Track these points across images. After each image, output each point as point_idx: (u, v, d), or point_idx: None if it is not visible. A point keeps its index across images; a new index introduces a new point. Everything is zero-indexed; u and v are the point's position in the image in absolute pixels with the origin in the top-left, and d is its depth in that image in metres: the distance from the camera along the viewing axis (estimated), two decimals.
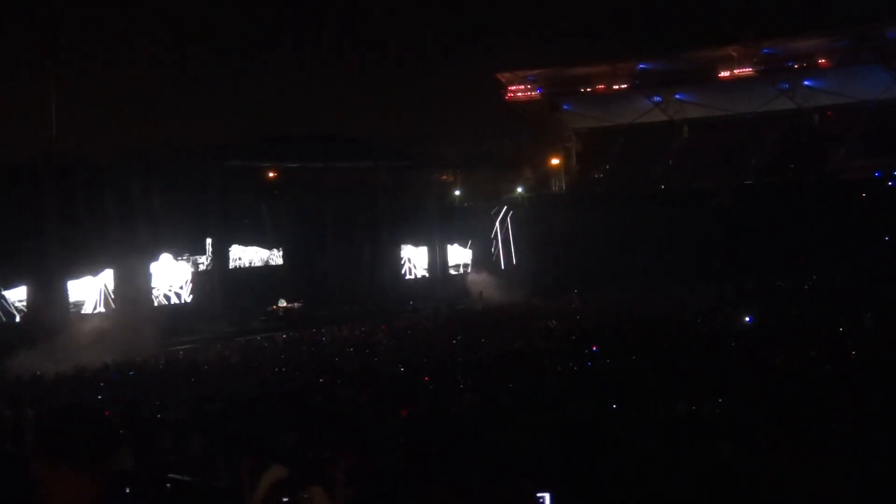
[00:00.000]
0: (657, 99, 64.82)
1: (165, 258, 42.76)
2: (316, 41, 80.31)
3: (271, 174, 49.95)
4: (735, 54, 60.58)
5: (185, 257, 43.85)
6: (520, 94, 66.81)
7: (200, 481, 12.02)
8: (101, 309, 39.24)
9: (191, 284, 43.86)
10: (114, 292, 39.56)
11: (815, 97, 60.23)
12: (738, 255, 49.32)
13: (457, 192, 61.51)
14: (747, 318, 30.26)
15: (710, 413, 13.98)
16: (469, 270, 57.11)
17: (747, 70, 60.73)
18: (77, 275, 38.72)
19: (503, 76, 66.21)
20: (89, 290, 39.42)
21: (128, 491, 9.77)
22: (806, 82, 60.41)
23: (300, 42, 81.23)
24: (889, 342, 21.86)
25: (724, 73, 61.32)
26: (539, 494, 6.65)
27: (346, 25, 80.00)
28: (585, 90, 65.86)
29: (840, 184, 53.42)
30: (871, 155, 54.94)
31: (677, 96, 64.36)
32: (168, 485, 11.17)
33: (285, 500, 5.79)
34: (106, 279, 39.76)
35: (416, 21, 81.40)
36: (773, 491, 8.80)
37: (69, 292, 38.45)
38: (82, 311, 38.68)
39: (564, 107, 67.17)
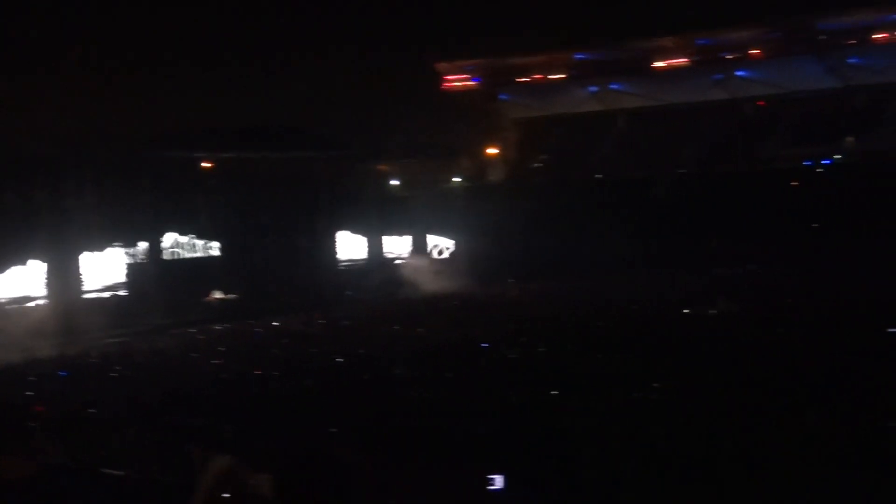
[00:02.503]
0: (594, 89, 65.19)
1: (100, 249, 42.05)
2: (253, 30, 79.55)
3: (208, 165, 49.38)
4: (670, 45, 61.13)
5: (119, 249, 43.16)
6: (457, 83, 66.72)
7: (134, 475, 11.80)
8: (33, 302, 38.45)
9: (125, 276, 43.18)
10: (46, 285, 38.80)
11: (749, 88, 61.03)
12: (673, 244, 49.76)
13: (395, 182, 61.32)
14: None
15: (649, 398, 14.06)
16: (406, 259, 56.97)
17: (682, 61, 61.32)
18: (6, 267, 37.92)
19: (441, 66, 66.08)
20: (20, 283, 38.64)
21: (59, 485, 9.54)
22: (739, 73, 61.18)
23: (238, 31, 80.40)
24: (825, 328, 22.19)
25: (660, 64, 61.85)
26: (490, 476, 6.60)
27: (283, 14, 79.34)
28: (523, 80, 66.00)
29: (772, 172, 54.19)
30: (801, 144, 55.83)
31: (613, 86, 64.78)
32: (101, 478, 10.95)
33: (225, 496, 5.65)
34: (38, 271, 39.00)
35: (353, 10, 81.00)
36: (715, 472, 8.84)
37: None
38: (13, 304, 37.86)
39: (502, 97, 67.25)
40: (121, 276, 43.01)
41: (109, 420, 15.92)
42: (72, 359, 27.81)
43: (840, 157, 54.38)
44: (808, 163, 54.27)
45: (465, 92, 66.89)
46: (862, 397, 12.46)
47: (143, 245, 44.17)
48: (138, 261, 44.01)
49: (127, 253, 43.56)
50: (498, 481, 6.62)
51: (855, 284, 33.73)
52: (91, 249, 41.49)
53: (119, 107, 62.77)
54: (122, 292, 42.65)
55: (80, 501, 10.17)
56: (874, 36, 56.16)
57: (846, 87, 58.28)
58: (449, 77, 66.40)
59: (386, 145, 60.28)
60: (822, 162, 54.10)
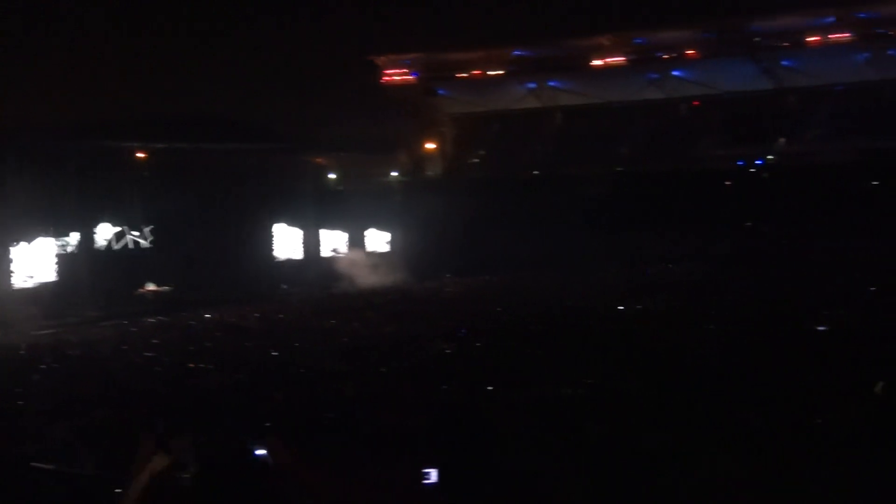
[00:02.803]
0: (531, 85, 65.57)
1: (28, 240, 41.28)
2: (188, 18, 78.56)
3: (141, 155, 48.71)
4: (607, 43, 61.73)
5: (48, 239, 42.40)
6: (396, 77, 66.72)
7: (64, 469, 11.66)
8: None
9: (55, 267, 42.43)
10: None
11: (684, 87, 61.87)
12: (608, 241, 50.27)
13: (331, 176, 61.10)
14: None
15: (581, 395, 14.21)
16: (343, 254, 56.79)
17: (619, 59, 61.95)
18: None
19: (379, 59, 66.03)
20: None
21: None
22: (675, 73, 61.96)
23: (171, 18, 79.37)
24: (754, 325, 22.60)
25: (597, 62, 62.40)
26: (425, 470, 6.62)
27: (218, 3, 78.44)
28: (461, 75, 66.16)
29: (705, 172, 55.03)
30: (734, 144, 56.79)
31: (551, 83, 65.23)
32: (30, 473, 10.79)
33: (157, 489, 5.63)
34: None
35: (293, 1, 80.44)
36: (646, 470, 8.97)
37: None
38: None
39: (440, 91, 67.36)
40: (51, 267, 42.25)
41: (38, 413, 15.70)
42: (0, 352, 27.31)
43: (772, 157, 55.39)
44: (741, 163, 55.20)
45: (403, 86, 66.89)
46: (788, 394, 12.72)
47: (74, 236, 43.44)
48: (69, 252, 43.29)
49: (57, 244, 42.79)
50: (432, 476, 6.66)
51: (786, 282, 34.38)
52: (20, 241, 40.72)
53: (48, 94, 61.72)
54: (52, 284, 41.89)
55: (7, 496, 10.02)
56: (807, 39, 57.24)
57: (779, 88, 59.35)
58: (387, 71, 66.36)
59: (323, 138, 60.05)
60: (756, 162, 55.06)
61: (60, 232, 42.52)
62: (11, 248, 39.93)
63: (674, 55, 61.33)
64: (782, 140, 56.17)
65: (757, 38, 58.53)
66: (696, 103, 61.72)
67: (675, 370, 15.89)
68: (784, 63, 58.65)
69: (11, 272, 39.90)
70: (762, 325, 22.61)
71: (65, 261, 42.49)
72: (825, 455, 8.97)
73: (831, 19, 56.39)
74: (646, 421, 11.30)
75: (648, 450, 9.55)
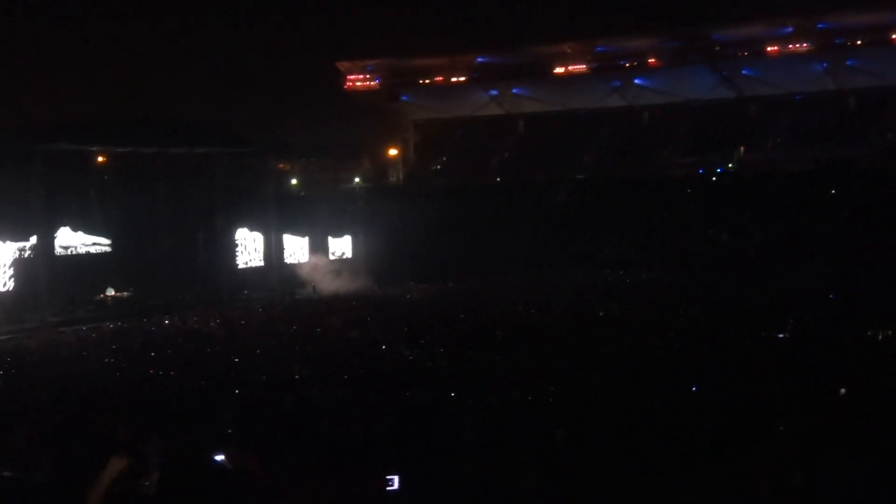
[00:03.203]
0: (494, 92, 65.74)
1: None
2: (153, 22, 78.11)
3: (101, 158, 48.22)
4: (569, 51, 62.03)
5: (7, 244, 41.89)
6: (359, 83, 66.60)
7: (21, 476, 11.51)
8: None
9: (12, 271, 41.94)
10: None
11: (646, 95, 62.29)
12: (570, 248, 50.42)
13: (294, 181, 60.91)
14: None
15: (544, 400, 14.27)
16: (305, 259, 56.60)
17: (581, 67, 62.26)
18: None
19: (342, 65, 65.88)
20: None
21: None
22: (637, 81, 62.38)
23: (137, 21, 78.89)
24: (713, 332, 22.78)
25: (559, 70, 62.68)
26: (388, 477, 6.63)
27: (184, 7, 78.09)
28: (424, 81, 66.20)
29: (667, 180, 55.42)
30: (695, 152, 57.25)
31: (514, 90, 65.43)
32: None
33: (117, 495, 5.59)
34: None
35: (258, 6, 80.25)
36: (610, 475, 9.03)
37: None
38: None
39: (403, 98, 67.34)
40: (9, 272, 41.77)
41: None
42: None
43: (732, 165, 55.90)
44: (702, 171, 55.67)
45: (366, 92, 66.79)
46: (751, 401, 12.83)
47: (32, 240, 42.96)
48: (28, 256, 42.80)
49: (16, 248, 42.30)
50: (395, 482, 6.67)
51: (747, 289, 34.66)
52: None
53: (9, 97, 61.09)
54: (10, 289, 41.42)
55: None
56: (767, 48, 57.83)
57: (740, 97, 59.93)
58: (351, 77, 66.22)
59: (286, 143, 59.82)
60: (716, 170, 55.54)
61: (19, 236, 42.01)
62: None
63: (636, 63, 61.72)
64: (742, 148, 56.71)
65: (717, 48, 59.09)
66: (657, 112, 62.17)
67: (638, 376, 15.99)
68: (744, 72, 59.22)
69: None
70: (723, 331, 22.81)
71: (23, 265, 42.00)
72: (787, 459, 9.07)
73: (790, 29, 57.07)
74: (610, 426, 11.37)
75: (613, 454, 9.62)
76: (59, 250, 44.55)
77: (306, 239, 57.15)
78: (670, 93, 61.29)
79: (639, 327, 24.68)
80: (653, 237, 50.23)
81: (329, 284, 49.67)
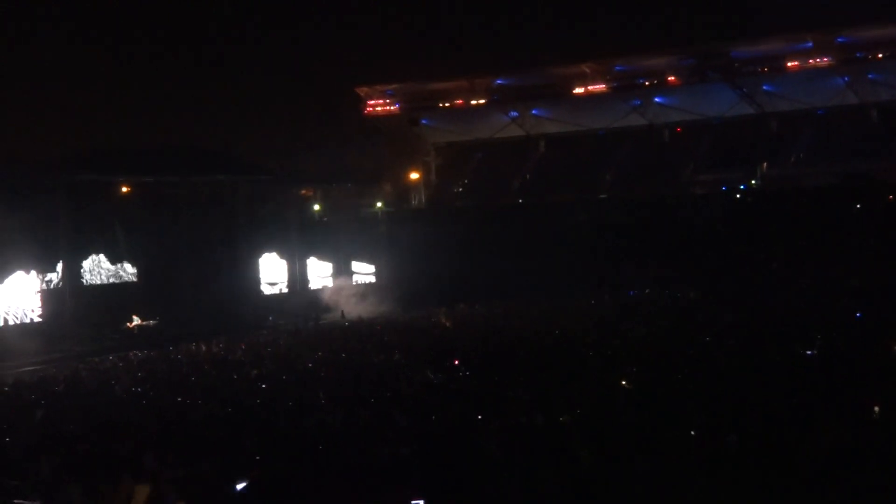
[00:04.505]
0: (514, 114, 65.80)
1: (13, 276, 41.12)
2: (175, 51, 78.71)
3: (125, 188, 48.59)
4: (588, 71, 62.02)
5: (32, 275, 42.21)
6: (379, 108, 66.79)
7: None
8: None
9: (40, 303, 42.25)
10: None
11: (666, 113, 62.16)
12: (593, 268, 50.27)
13: (316, 207, 61.14)
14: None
15: (569, 422, 14.19)
16: (329, 284, 56.74)
17: (600, 87, 62.24)
18: None
19: (362, 90, 66.12)
20: None
21: None
22: (657, 99, 62.30)
23: (158, 51, 79.53)
24: (741, 351, 22.62)
25: (579, 90, 62.70)
26: (414, 501, 6.63)
27: (204, 37, 78.68)
28: (444, 105, 66.34)
29: (690, 197, 55.24)
30: (717, 169, 57.06)
31: (533, 112, 65.49)
32: None
33: None
34: None
35: (275, 34, 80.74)
36: (635, 496, 8.98)
37: None
38: None
39: (423, 121, 67.46)
40: (36, 302, 42.06)
41: (24, 450, 15.59)
42: None
43: (755, 182, 55.67)
44: (725, 188, 55.47)
45: (386, 117, 66.99)
46: (778, 418, 12.74)
47: (59, 270, 43.27)
48: (54, 287, 43.10)
49: (42, 279, 42.62)
50: None
51: (772, 306, 34.45)
52: (5, 276, 40.57)
53: (33, 128, 61.68)
54: (37, 319, 41.71)
55: None
56: (787, 63, 57.63)
57: (760, 113, 59.71)
58: (371, 102, 66.46)
59: (308, 170, 60.10)
60: (739, 187, 55.31)
61: (45, 267, 42.32)
62: None
63: (655, 82, 61.65)
64: (765, 164, 56.49)
65: (737, 64, 58.94)
66: (678, 129, 62.02)
67: (663, 393, 15.91)
68: (765, 88, 59.03)
69: None
70: (749, 348, 22.65)
71: (50, 296, 42.29)
72: (814, 476, 9.00)
73: (810, 44, 56.84)
74: (635, 445, 11.30)
75: (637, 474, 9.56)
76: (84, 280, 44.85)
77: (330, 264, 57.31)
78: (690, 110, 61.14)
79: (664, 346, 24.55)
80: (676, 255, 49.99)
81: (353, 309, 49.71)
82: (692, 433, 11.82)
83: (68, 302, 42.83)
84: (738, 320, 30.55)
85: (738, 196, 54.92)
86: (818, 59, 57.06)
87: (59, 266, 43.24)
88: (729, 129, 59.14)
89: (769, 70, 58.79)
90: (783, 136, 58.50)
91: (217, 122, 73.46)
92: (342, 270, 57.55)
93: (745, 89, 59.49)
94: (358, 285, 56.92)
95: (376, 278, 59.08)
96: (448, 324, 39.43)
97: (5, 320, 40.54)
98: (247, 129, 72.08)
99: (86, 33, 73.15)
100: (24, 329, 40.36)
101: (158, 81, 77.63)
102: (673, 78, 60.78)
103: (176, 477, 12.79)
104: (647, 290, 46.94)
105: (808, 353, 21.55)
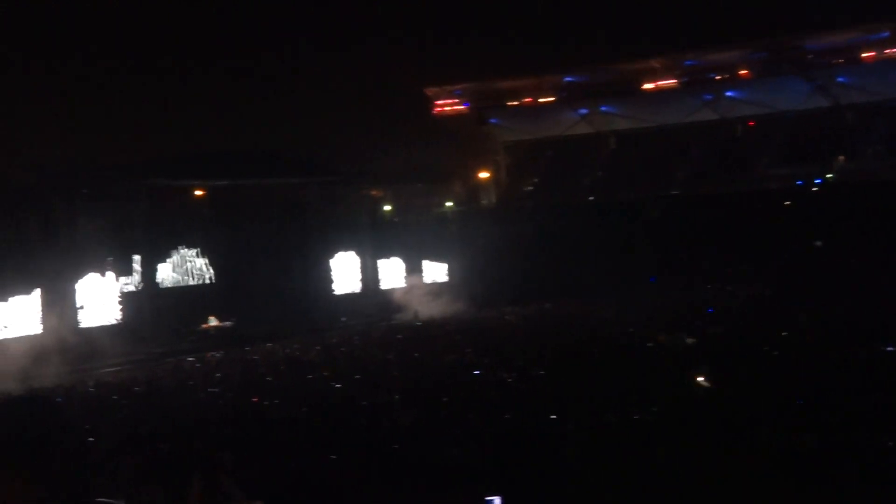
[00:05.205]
0: (583, 111, 65.50)
1: (92, 279, 41.99)
2: (241, 56, 79.69)
3: (199, 192, 49.42)
4: (658, 67, 61.52)
5: (111, 277, 43.07)
6: (447, 108, 67.00)
7: None
8: (27, 332, 38.22)
9: (118, 305, 43.11)
10: (40, 315, 38.65)
11: (738, 108, 61.38)
12: (666, 266, 49.90)
13: (387, 207, 61.47)
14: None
15: (646, 421, 14.12)
16: (401, 284, 57.02)
17: (671, 82, 61.68)
18: (1, 298, 37.75)
19: (430, 91, 66.38)
20: (13, 314, 38.48)
21: None
22: (728, 93, 61.55)
23: (226, 56, 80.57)
24: (822, 347, 22.27)
25: (649, 86, 62.21)
26: (488, 498, 6.67)
27: (272, 40, 79.61)
28: (513, 104, 66.29)
29: (764, 192, 54.49)
30: (792, 163, 56.18)
31: (603, 108, 65.12)
32: None
33: None
34: (32, 302, 38.85)
35: (342, 36, 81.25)
36: (710, 495, 8.92)
37: None
38: (7, 335, 37.64)
39: (492, 120, 67.51)
40: (115, 305, 42.92)
41: (106, 450, 15.93)
42: (68, 389, 27.78)
43: (831, 176, 54.71)
44: (800, 182, 54.61)
45: (455, 116, 67.14)
46: (859, 417, 12.53)
47: (137, 273, 44.11)
48: (133, 289, 43.93)
49: (121, 281, 43.46)
50: (496, 502, 6.71)
51: (850, 302, 33.83)
52: (85, 279, 41.45)
53: (109, 134, 62.94)
54: (117, 321, 42.55)
55: None
56: (862, 54, 56.55)
57: (835, 105, 58.67)
58: (439, 101, 66.67)
59: (378, 170, 60.51)
60: (815, 181, 54.42)
61: (124, 269, 43.16)
62: (77, 287, 40.58)
63: (726, 76, 60.93)
64: (841, 158, 55.48)
65: (810, 56, 57.99)
66: (751, 123, 61.19)
67: (741, 391, 15.75)
68: (839, 80, 58.01)
69: (78, 310, 40.52)
70: (829, 345, 22.29)
71: (128, 298, 43.11)
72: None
73: (886, 34, 55.68)
74: (712, 444, 11.21)
75: (715, 473, 9.49)
76: (162, 282, 45.66)
77: (401, 264, 57.61)
78: (763, 104, 60.25)
79: (740, 344, 24.27)
80: (751, 251, 49.35)
81: (425, 308, 49.87)
82: (770, 432, 11.69)
83: (147, 304, 43.63)
84: (816, 317, 30.06)
85: (813, 190, 54.03)
86: (895, 49, 55.90)
87: (138, 268, 44.07)
88: (803, 123, 58.17)
89: (844, 61, 57.75)
90: (859, 128, 57.39)
91: (288, 125, 74.18)
92: (413, 270, 57.78)
93: (819, 81, 58.52)
94: (429, 285, 57.11)
95: (448, 277, 59.24)
96: (520, 322, 39.39)
97: (86, 322, 41.38)
98: (318, 132, 72.67)
99: (163, 40, 74.46)
100: (105, 331, 41.19)
101: (232, 88, 78.73)
102: (745, 71, 60.02)
103: (253, 476, 13.01)
104: (722, 287, 46.38)
105: (890, 349, 21.13)
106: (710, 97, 61.89)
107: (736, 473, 9.40)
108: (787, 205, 52.97)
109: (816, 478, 9.16)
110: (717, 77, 61.50)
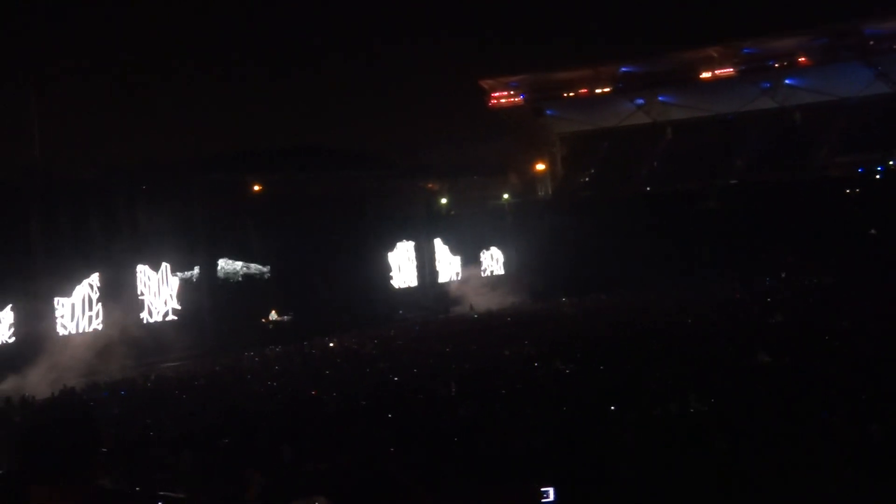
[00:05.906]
0: (640, 101, 64.96)
1: (153, 274, 42.48)
2: (297, 53, 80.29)
3: (256, 187, 49.73)
4: (716, 55, 60.80)
5: (172, 272, 43.51)
6: (503, 100, 66.84)
7: (191, 498, 11.95)
8: (89, 327, 38.77)
9: (179, 300, 43.53)
10: (102, 310, 39.17)
11: (797, 95, 60.48)
12: (725, 256, 49.36)
13: (443, 200, 61.51)
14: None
15: (704, 412, 13.98)
16: (458, 277, 57.00)
17: (728, 70, 60.94)
18: (64, 294, 38.30)
19: (486, 83, 66.26)
20: (77, 309, 39.04)
21: None
22: (787, 81, 60.65)
23: (282, 53, 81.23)
24: (879, 339, 21.88)
25: (706, 74, 61.50)
26: (543, 489, 6.64)
27: (328, 36, 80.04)
28: (568, 95, 65.92)
29: (825, 181, 53.63)
30: (853, 151, 55.24)
31: (660, 98, 64.51)
32: (158, 502, 11.08)
33: None
34: (93, 296, 39.36)
35: (397, 30, 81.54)
36: (769, 487, 8.79)
37: (56, 312, 37.97)
38: (70, 330, 38.21)
39: (548, 112, 67.20)
40: (176, 300, 43.37)
41: (168, 443, 16.13)
42: (130, 383, 28.17)
43: (893, 163, 53.72)
44: (861, 170, 53.69)
45: (511, 108, 66.96)
46: None
47: (196, 268, 44.49)
48: (192, 284, 44.33)
49: (181, 277, 43.87)
50: (550, 494, 6.66)
51: None
52: (146, 274, 41.94)
53: (171, 132, 63.78)
54: (177, 316, 43.00)
55: None
56: None
57: None
58: (495, 94, 66.53)
59: (434, 163, 60.52)
60: (877, 168, 53.47)
61: (185, 266, 43.56)
62: (137, 283, 41.04)
63: (785, 63, 60.05)
64: None
65: (871, 42, 56.94)
66: (811, 111, 60.27)
67: (801, 382, 15.53)
68: None
69: (139, 305, 40.96)
70: (890, 336, 21.89)
71: (189, 293, 43.50)
72: None
73: None
74: (772, 436, 11.06)
75: (774, 464, 9.36)
76: (221, 277, 46.04)
77: (458, 257, 57.59)
78: (823, 91, 59.28)
79: (801, 333, 23.95)
80: (812, 241, 48.60)
81: (482, 301, 49.81)
82: (831, 423, 11.50)
83: (206, 299, 43.99)
84: (878, 306, 29.54)
85: (875, 178, 53.07)
86: None
87: (198, 263, 44.44)
88: (864, 110, 57.12)
89: None
90: None
91: (345, 119, 74.61)
92: (470, 262, 57.73)
93: (880, 68, 57.44)
94: (486, 277, 57.05)
95: (504, 270, 59.10)
96: (578, 314, 39.21)
97: (148, 318, 41.86)
98: (374, 126, 73.03)
99: (220, 42, 75.29)
100: (165, 326, 41.64)
101: (288, 83, 79.33)
102: (804, 58, 59.11)
103: (312, 470, 13.08)
104: (782, 277, 45.77)
105: None
106: (768, 85, 61.01)
107: (797, 465, 9.27)
108: (849, 193, 52.10)
109: (882, 470, 8.99)
110: (776, 65, 60.62)
